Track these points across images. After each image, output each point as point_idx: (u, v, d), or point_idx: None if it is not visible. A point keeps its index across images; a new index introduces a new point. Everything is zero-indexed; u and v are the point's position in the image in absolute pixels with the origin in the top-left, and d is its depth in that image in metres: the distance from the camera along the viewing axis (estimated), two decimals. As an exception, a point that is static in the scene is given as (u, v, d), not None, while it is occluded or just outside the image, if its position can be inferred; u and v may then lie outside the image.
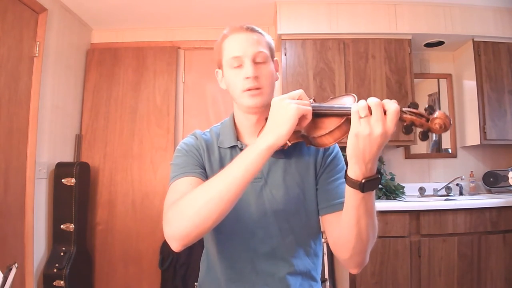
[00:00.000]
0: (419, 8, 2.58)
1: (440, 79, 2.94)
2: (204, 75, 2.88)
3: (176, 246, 0.73)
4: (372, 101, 0.63)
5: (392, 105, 0.62)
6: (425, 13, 2.58)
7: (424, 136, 0.64)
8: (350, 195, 0.70)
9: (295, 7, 2.57)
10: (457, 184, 2.66)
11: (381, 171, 2.67)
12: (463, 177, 2.65)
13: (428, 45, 2.78)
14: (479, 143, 2.54)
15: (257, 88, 0.84)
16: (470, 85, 2.69)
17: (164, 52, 2.86)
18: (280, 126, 0.69)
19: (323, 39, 2.57)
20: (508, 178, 2.24)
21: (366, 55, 2.58)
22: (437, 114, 0.63)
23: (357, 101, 0.72)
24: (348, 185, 0.69)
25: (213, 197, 0.69)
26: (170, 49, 2.88)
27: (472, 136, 2.64)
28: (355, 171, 0.67)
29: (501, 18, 2.60)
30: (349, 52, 2.57)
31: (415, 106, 0.65)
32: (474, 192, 2.67)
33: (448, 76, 2.93)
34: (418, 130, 0.65)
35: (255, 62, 0.85)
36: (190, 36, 2.93)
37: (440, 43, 2.74)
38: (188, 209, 0.71)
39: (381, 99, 0.64)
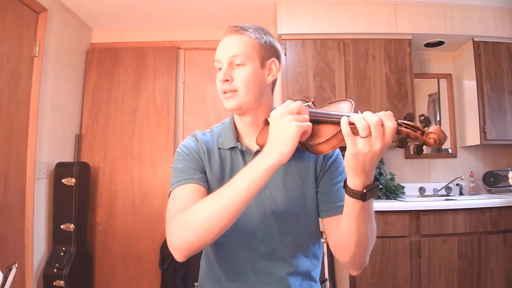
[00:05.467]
0: (419, 8, 2.58)
1: (440, 79, 2.94)
2: (204, 75, 2.88)
3: (179, 256, 0.75)
4: (371, 120, 0.62)
5: (390, 123, 0.63)
6: (425, 13, 2.58)
7: (418, 151, 0.64)
8: (351, 204, 0.71)
9: (295, 7, 2.57)
10: (457, 184, 2.66)
11: (381, 171, 2.67)
12: (463, 177, 2.65)
13: (428, 45, 2.77)
14: (479, 143, 2.54)
15: (231, 91, 0.85)
16: (470, 85, 2.68)
17: (164, 52, 2.86)
18: (282, 145, 0.69)
19: (323, 39, 2.57)
20: (508, 178, 2.24)
21: (366, 55, 2.57)
22: (432, 128, 0.62)
23: (354, 108, 0.71)
24: (349, 195, 0.70)
25: (216, 211, 0.70)
26: (170, 49, 2.88)
27: (472, 136, 2.64)
28: (355, 183, 0.68)
29: (501, 18, 2.60)
30: (349, 52, 2.57)
31: (411, 117, 0.65)
32: (474, 192, 2.67)
33: (448, 76, 2.92)
34: (413, 142, 0.65)
35: (232, 65, 0.86)
36: (190, 36, 2.93)
37: (440, 43, 2.73)
38: (192, 222, 0.72)
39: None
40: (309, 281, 0.92)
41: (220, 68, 0.87)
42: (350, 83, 2.54)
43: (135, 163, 2.73)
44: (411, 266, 2.11)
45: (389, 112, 0.64)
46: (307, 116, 0.73)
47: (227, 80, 0.85)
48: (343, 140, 0.67)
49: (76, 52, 2.72)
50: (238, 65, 0.85)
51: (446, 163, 2.85)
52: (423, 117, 0.64)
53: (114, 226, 2.67)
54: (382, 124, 0.62)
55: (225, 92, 0.86)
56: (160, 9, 2.65)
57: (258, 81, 0.87)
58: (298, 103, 0.74)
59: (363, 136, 0.62)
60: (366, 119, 0.63)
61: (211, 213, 0.70)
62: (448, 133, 2.88)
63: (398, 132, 0.64)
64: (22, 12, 2.11)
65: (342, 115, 0.67)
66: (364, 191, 0.67)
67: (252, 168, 0.71)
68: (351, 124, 0.64)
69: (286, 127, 0.69)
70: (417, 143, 0.64)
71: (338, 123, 0.69)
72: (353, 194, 0.69)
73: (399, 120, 0.65)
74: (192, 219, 0.72)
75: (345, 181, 0.71)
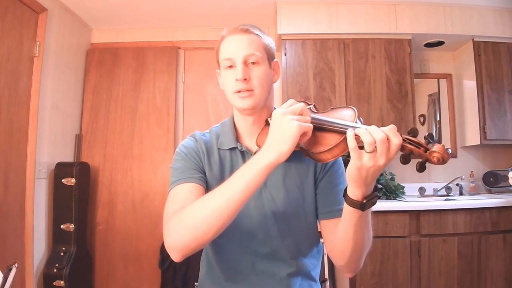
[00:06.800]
0: (419, 8, 2.58)
1: (440, 79, 2.94)
2: (204, 75, 2.88)
3: (176, 256, 0.74)
4: (378, 136, 0.62)
5: (396, 139, 0.63)
6: (425, 13, 2.58)
7: (421, 168, 0.64)
8: (349, 213, 0.71)
9: (295, 7, 2.57)
10: (457, 184, 2.66)
11: (381, 171, 2.67)
12: (463, 177, 2.65)
13: (428, 45, 2.77)
14: (479, 143, 2.54)
15: (247, 90, 0.83)
16: (470, 85, 2.68)
17: (164, 52, 2.86)
18: (281, 143, 0.68)
19: (323, 39, 2.57)
20: (508, 178, 2.24)
21: (366, 55, 2.57)
22: (435, 147, 0.63)
23: (357, 115, 0.71)
24: (348, 205, 0.70)
25: (213, 211, 0.69)
26: (170, 49, 2.88)
27: (472, 136, 2.64)
28: (356, 193, 0.68)
29: (501, 18, 2.60)
30: (349, 52, 2.57)
31: (415, 133, 0.66)
32: (474, 192, 2.67)
33: (448, 76, 2.92)
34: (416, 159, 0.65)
35: (246, 64, 0.84)
36: (190, 36, 2.93)
37: (440, 43, 2.73)
38: (188, 222, 0.71)
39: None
40: (309, 281, 0.92)
41: (230, 66, 0.85)
42: (350, 83, 2.54)
43: (135, 163, 2.73)
44: (411, 266, 2.11)
45: (393, 126, 0.64)
46: (309, 118, 0.73)
47: (246, 79, 0.83)
48: (345, 149, 0.67)
49: (76, 52, 2.72)
50: (253, 63, 0.84)
51: (446, 163, 2.84)
52: (427, 134, 0.65)
53: (114, 226, 2.67)
54: (388, 139, 0.63)
55: (239, 91, 0.84)
56: (160, 9, 2.65)
57: (270, 81, 0.88)
58: (301, 104, 0.73)
59: (368, 151, 0.63)
60: (372, 134, 0.63)
61: (208, 213, 0.70)
62: (448, 133, 2.88)
63: (402, 148, 0.65)
64: (22, 12, 2.11)
65: (347, 126, 0.68)
66: (364, 201, 0.68)
67: (249, 167, 0.70)
68: (356, 136, 0.64)
69: (287, 126, 0.68)
70: (421, 160, 0.65)
71: (341, 133, 0.69)
72: (353, 203, 0.69)
73: (403, 136, 0.65)
74: (189, 219, 0.72)
75: (345, 190, 0.71)
